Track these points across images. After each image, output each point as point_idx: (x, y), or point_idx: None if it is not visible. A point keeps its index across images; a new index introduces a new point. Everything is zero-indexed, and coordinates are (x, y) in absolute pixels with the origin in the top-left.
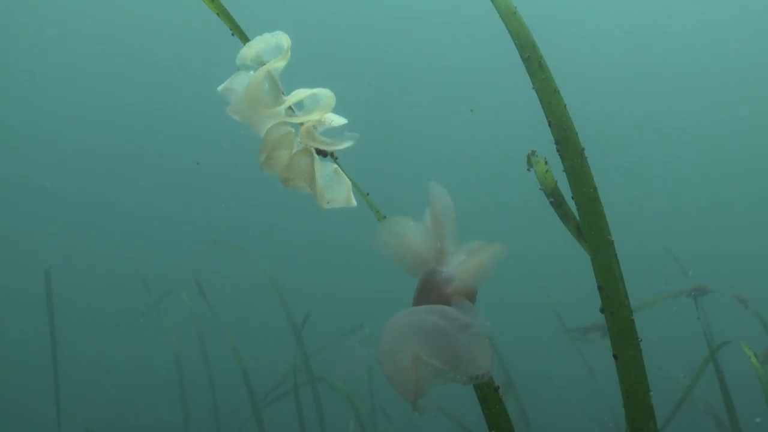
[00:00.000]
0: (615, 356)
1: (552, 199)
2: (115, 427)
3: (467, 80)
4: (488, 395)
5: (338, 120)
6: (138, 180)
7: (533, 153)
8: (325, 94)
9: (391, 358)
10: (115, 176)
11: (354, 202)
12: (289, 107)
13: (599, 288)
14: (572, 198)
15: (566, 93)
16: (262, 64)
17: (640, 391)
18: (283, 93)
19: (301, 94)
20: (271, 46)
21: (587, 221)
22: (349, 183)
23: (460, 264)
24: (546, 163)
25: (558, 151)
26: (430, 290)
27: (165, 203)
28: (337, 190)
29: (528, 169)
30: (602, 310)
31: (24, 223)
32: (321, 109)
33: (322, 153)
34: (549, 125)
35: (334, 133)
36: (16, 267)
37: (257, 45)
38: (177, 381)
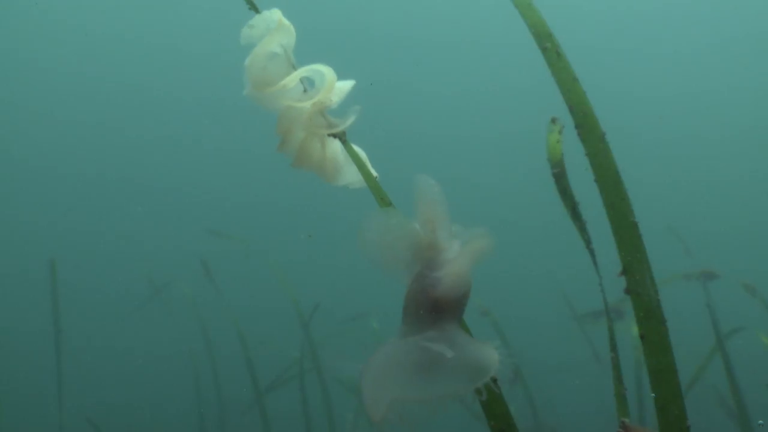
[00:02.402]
0: (642, 336)
1: (555, 171)
2: (117, 415)
3: (484, 66)
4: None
5: (346, 85)
6: (142, 167)
7: (553, 120)
8: (326, 71)
9: (376, 406)
10: (122, 166)
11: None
12: (303, 87)
13: (624, 269)
14: (595, 180)
15: (584, 76)
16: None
17: (668, 371)
18: (294, 67)
19: (303, 71)
20: (269, 22)
21: (610, 203)
22: (360, 161)
23: (446, 266)
24: (560, 133)
25: (579, 135)
26: (419, 294)
27: (170, 193)
28: (349, 171)
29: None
30: (627, 291)
31: (26, 212)
32: (325, 89)
33: (332, 135)
34: (570, 111)
35: (339, 113)
36: (19, 257)
37: (259, 22)
38: (182, 369)
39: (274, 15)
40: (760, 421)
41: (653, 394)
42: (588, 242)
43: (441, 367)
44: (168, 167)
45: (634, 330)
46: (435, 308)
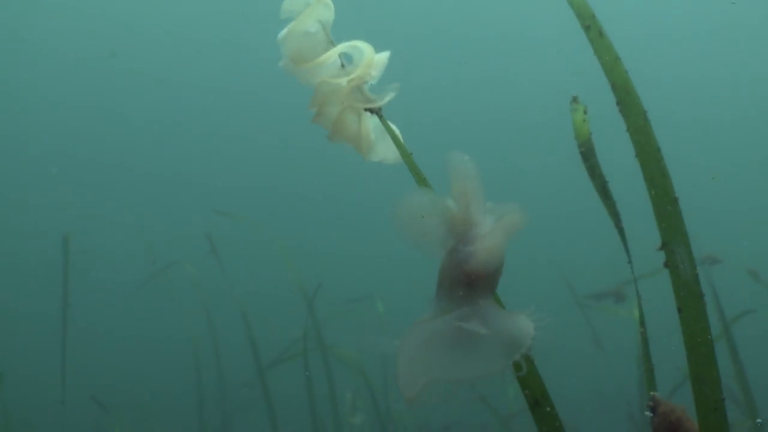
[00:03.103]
0: (679, 309)
1: (583, 150)
2: (120, 394)
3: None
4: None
5: (382, 57)
6: (151, 151)
7: (575, 99)
8: (365, 47)
9: (410, 382)
10: (129, 147)
11: (401, 159)
12: (339, 62)
13: (663, 244)
14: (635, 156)
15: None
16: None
17: (704, 342)
18: (333, 45)
19: (342, 46)
20: None
21: (650, 178)
22: (397, 138)
23: (480, 240)
24: (585, 113)
25: (621, 112)
26: (452, 268)
27: (174, 173)
28: (384, 146)
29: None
30: (666, 265)
31: (39, 192)
32: (364, 65)
33: (368, 109)
34: (612, 89)
35: (377, 89)
36: (31, 234)
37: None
38: (185, 348)
39: None
40: (759, 420)
41: (689, 366)
42: (618, 220)
43: (477, 345)
44: (176, 151)
45: (635, 313)
46: (469, 282)
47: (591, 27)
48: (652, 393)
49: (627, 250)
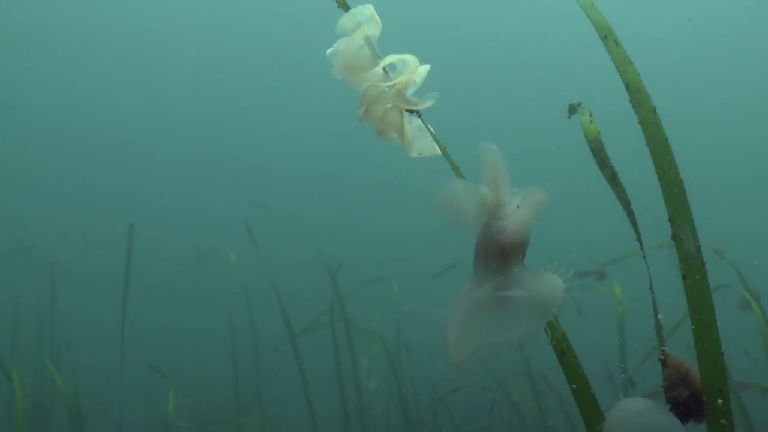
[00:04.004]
0: (683, 276)
1: (593, 146)
2: (170, 363)
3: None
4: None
5: (423, 69)
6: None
7: (578, 104)
8: (410, 59)
9: (460, 348)
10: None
11: (438, 152)
12: (384, 70)
13: (670, 219)
14: (646, 145)
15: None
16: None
17: (706, 306)
18: (379, 57)
19: (391, 58)
20: (363, 15)
21: (659, 164)
22: (432, 136)
23: (509, 216)
24: (591, 115)
25: (634, 108)
26: (487, 242)
27: (209, 171)
28: (422, 142)
29: (568, 117)
30: (673, 238)
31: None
32: (408, 72)
33: (408, 110)
34: (626, 89)
35: (419, 93)
36: (100, 218)
37: (355, 14)
38: (223, 322)
39: (368, 10)
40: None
41: (692, 326)
42: (628, 205)
43: (517, 307)
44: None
45: (617, 290)
46: (502, 253)
47: (608, 37)
48: (662, 348)
49: (637, 232)
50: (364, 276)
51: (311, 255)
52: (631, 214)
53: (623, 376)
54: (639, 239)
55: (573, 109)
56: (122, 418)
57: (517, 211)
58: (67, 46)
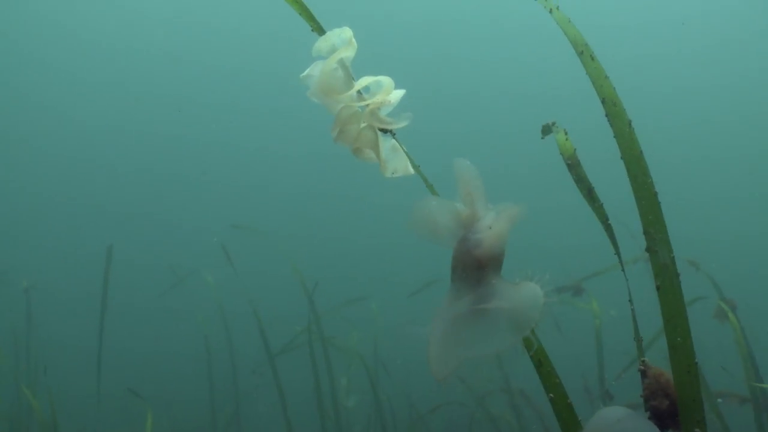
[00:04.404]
0: (657, 287)
1: (569, 162)
2: (150, 386)
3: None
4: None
5: (398, 93)
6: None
7: (553, 124)
8: (385, 80)
9: (443, 363)
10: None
11: (412, 171)
12: (358, 91)
13: (645, 231)
14: (621, 158)
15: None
16: (335, 54)
17: (680, 316)
18: (353, 79)
19: (366, 80)
20: (339, 39)
21: (634, 176)
22: (405, 156)
23: (486, 230)
24: (566, 133)
25: (609, 121)
26: (464, 256)
27: (196, 188)
28: (397, 161)
29: (542, 138)
30: (647, 250)
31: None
32: (383, 93)
33: (383, 130)
34: (602, 103)
35: (393, 113)
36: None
37: (330, 38)
38: (201, 344)
39: (346, 33)
40: (720, 399)
41: (666, 335)
42: (606, 220)
43: (498, 318)
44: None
45: (595, 305)
46: (479, 266)
47: (584, 53)
48: (642, 358)
49: (615, 245)
50: (343, 296)
51: (288, 275)
52: (609, 228)
53: (602, 389)
54: (617, 253)
55: (547, 129)
56: None
57: (494, 224)
58: (42, 67)
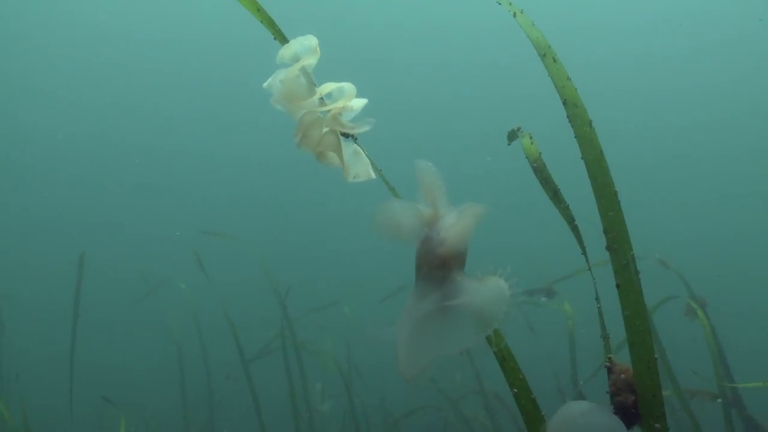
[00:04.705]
0: (618, 285)
1: (535, 165)
2: (124, 393)
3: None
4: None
5: (360, 102)
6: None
7: (518, 129)
8: (348, 86)
9: (412, 363)
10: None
11: (373, 176)
12: (321, 97)
13: (605, 230)
14: (581, 158)
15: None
16: (298, 61)
17: (639, 314)
18: (315, 86)
19: (329, 87)
20: (303, 46)
21: (594, 175)
22: (367, 160)
23: (449, 228)
24: (531, 137)
25: (570, 122)
26: (428, 254)
27: (168, 194)
28: (359, 166)
29: (509, 144)
30: (608, 248)
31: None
32: (345, 98)
33: (344, 135)
34: (563, 104)
35: (355, 119)
36: (46, 249)
37: (293, 46)
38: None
39: (311, 41)
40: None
41: (626, 333)
42: (572, 220)
43: (464, 315)
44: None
45: (567, 307)
46: (443, 264)
47: (546, 55)
48: (609, 355)
49: (582, 245)
50: (316, 301)
51: (262, 281)
52: (575, 229)
53: (575, 389)
54: (584, 252)
55: (513, 135)
56: None
57: (457, 221)
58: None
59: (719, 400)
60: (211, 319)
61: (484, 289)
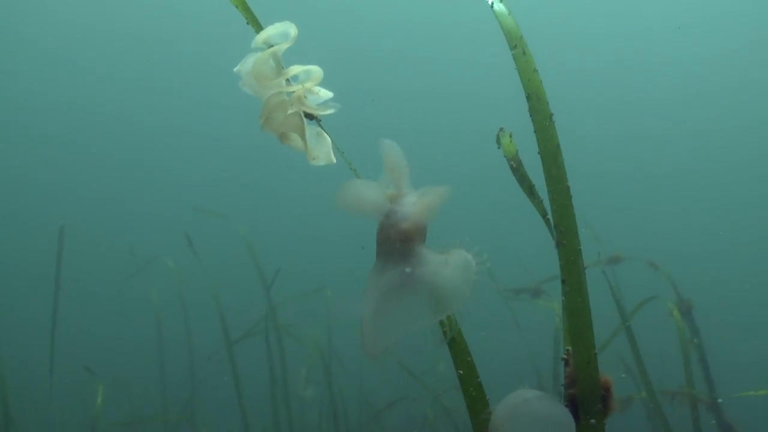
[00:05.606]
0: (563, 281)
1: (512, 163)
2: (107, 369)
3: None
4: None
5: (326, 93)
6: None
7: (501, 130)
8: (315, 69)
9: (376, 340)
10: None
11: (334, 160)
12: (287, 80)
13: (555, 226)
14: (538, 153)
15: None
16: (271, 46)
17: (582, 309)
18: (283, 68)
19: (296, 69)
20: (280, 32)
21: (548, 170)
22: (330, 143)
23: (413, 204)
24: (511, 136)
25: (531, 116)
26: (389, 228)
27: (159, 173)
28: (320, 148)
29: (498, 147)
30: (557, 244)
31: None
32: (311, 80)
33: (309, 116)
34: (527, 98)
35: (321, 102)
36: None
37: (270, 31)
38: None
39: (290, 29)
40: (623, 375)
41: (569, 327)
42: (545, 214)
43: (429, 289)
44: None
45: (556, 306)
46: (404, 239)
47: (517, 46)
48: (567, 348)
49: (553, 237)
50: (304, 286)
51: (249, 264)
52: (548, 223)
53: (556, 387)
54: (557, 247)
55: (500, 138)
56: (51, 418)
57: (421, 198)
58: None
59: (699, 404)
60: (199, 300)
61: (451, 259)
